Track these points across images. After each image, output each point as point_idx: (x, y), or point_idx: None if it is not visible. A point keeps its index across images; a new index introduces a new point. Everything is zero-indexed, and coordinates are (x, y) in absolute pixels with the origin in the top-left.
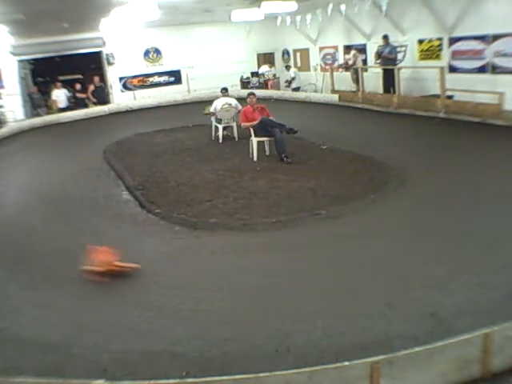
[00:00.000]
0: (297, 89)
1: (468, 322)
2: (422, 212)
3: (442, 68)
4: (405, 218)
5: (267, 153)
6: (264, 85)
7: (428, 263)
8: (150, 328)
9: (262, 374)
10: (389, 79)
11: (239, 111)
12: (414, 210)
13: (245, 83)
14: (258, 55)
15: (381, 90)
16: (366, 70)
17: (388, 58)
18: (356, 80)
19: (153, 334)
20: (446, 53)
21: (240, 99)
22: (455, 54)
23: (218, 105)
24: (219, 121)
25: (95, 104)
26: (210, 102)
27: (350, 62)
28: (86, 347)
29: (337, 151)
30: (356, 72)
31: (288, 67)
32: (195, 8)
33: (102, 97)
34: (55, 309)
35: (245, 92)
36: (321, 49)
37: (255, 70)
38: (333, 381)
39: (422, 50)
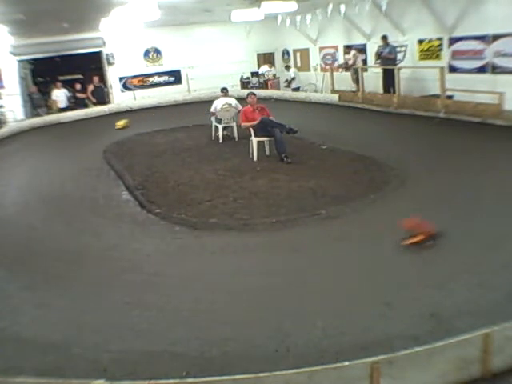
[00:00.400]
0: (297, 89)
1: (468, 322)
2: (422, 212)
3: (442, 68)
4: (404, 218)
5: (267, 153)
6: (264, 85)
7: (428, 263)
8: (149, 328)
9: (262, 374)
10: (389, 79)
11: (239, 111)
12: (414, 210)
13: (245, 83)
14: (258, 55)
15: (381, 90)
16: (366, 70)
17: (387, 58)
18: (356, 80)
19: (153, 334)
20: (446, 53)
21: (240, 99)
22: (455, 54)
23: (218, 105)
24: (219, 121)
25: (95, 104)
26: (210, 102)
27: (350, 62)
28: (86, 347)
29: (337, 151)
30: (356, 72)
31: (288, 67)
32: (195, 8)
33: (102, 97)
34: (55, 309)
35: (245, 92)
36: (321, 49)
37: (255, 69)
38: (333, 381)
39: (422, 50)
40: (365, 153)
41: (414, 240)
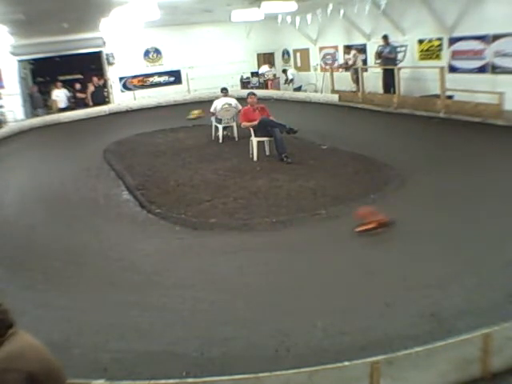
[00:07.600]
0: (298, 88)
1: (468, 322)
2: (422, 212)
3: (441, 68)
4: (405, 218)
5: (267, 153)
6: (264, 85)
7: (428, 263)
8: (150, 328)
9: (261, 374)
10: (389, 79)
11: (239, 111)
12: (413, 210)
13: (245, 83)
14: (258, 55)
15: (381, 90)
16: (366, 70)
17: (388, 58)
18: (356, 80)
19: (153, 334)
20: (446, 53)
21: (240, 99)
22: (455, 54)
23: (218, 105)
24: (219, 121)
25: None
26: (210, 102)
27: (350, 62)
28: (86, 347)
29: (337, 151)
30: (356, 72)
31: (285, 71)
32: (195, 8)
33: (101, 97)
34: (55, 309)
35: (245, 92)
36: (321, 49)
37: (255, 70)
38: (333, 381)
39: (422, 50)
40: (365, 153)
41: (366, 227)
